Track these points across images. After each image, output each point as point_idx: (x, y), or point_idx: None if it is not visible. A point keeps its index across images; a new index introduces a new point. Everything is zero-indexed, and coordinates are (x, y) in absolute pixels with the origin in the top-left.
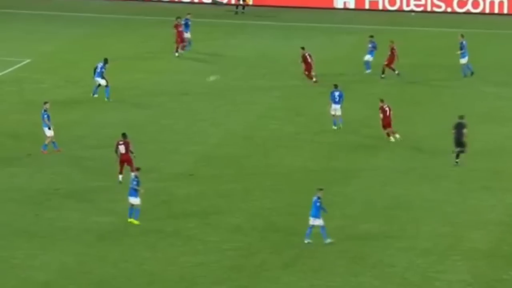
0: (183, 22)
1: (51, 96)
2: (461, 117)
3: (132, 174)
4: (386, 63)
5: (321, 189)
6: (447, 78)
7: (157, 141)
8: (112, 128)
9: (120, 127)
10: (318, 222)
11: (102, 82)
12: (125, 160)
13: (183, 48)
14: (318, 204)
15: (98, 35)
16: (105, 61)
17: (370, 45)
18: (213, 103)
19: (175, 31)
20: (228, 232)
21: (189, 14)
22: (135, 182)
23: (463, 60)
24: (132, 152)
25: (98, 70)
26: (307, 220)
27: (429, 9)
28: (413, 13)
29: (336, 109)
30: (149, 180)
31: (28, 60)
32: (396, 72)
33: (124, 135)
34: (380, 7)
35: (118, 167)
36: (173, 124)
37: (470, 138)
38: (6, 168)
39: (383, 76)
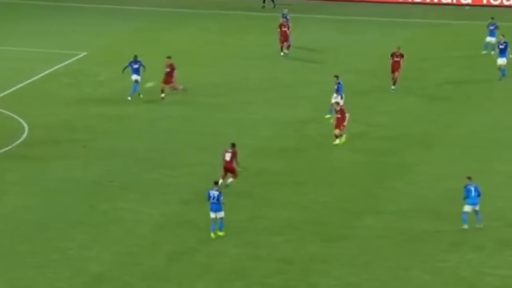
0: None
1: (106, 89)
2: None
3: (215, 189)
4: None
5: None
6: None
7: (211, 134)
8: (167, 121)
9: (174, 120)
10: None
11: (138, 78)
12: (228, 168)
13: (288, 48)
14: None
15: (154, 29)
16: (136, 58)
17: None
18: (266, 97)
19: (279, 30)
20: (279, 225)
21: (285, 8)
22: (219, 196)
23: (500, 61)
24: (237, 163)
25: (134, 67)
26: (357, 214)
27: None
28: (467, 7)
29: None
30: (202, 172)
31: (84, 53)
32: None
33: (233, 145)
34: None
35: (221, 171)
36: (226, 118)
37: (497, 133)
38: (61, 161)
39: None
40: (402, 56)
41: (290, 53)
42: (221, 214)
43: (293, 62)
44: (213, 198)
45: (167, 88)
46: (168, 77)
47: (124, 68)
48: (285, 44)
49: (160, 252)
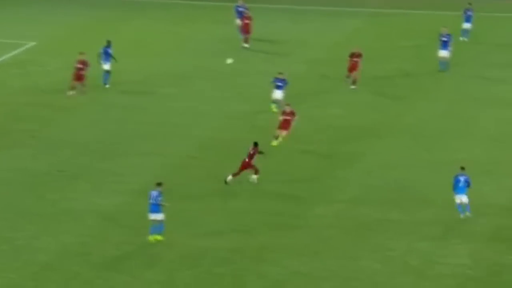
0: (240, 9)
1: (55, 79)
2: None
3: (155, 190)
4: None
5: None
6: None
7: (161, 124)
8: (118, 111)
9: (125, 110)
10: None
11: (107, 67)
12: (246, 165)
13: (245, 40)
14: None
15: (104, 19)
16: (109, 43)
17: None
18: (217, 86)
19: (240, 22)
20: (229, 215)
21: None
22: (158, 198)
23: (441, 53)
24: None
25: (105, 53)
26: (307, 203)
27: None
28: None
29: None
30: (153, 162)
31: (33, 43)
32: None
33: (255, 144)
34: None
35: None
36: (177, 107)
37: (472, 123)
38: (9, 150)
39: None
40: (360, 55)
41: (239, 40)
42: (160, 216)
43: (245, 52)
44: (152, 199)
45: (78, 85)
46: (79, 74)
47: (101, 55)
48: (248, 36)
49: (110, 242)
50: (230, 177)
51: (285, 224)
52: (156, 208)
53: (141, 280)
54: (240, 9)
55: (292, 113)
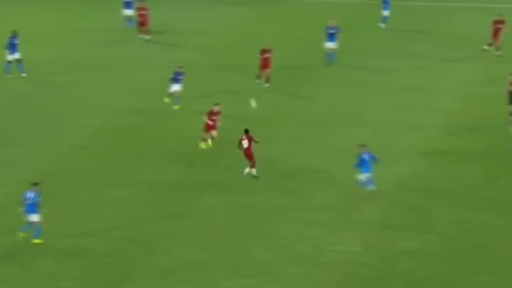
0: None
1: None
2: None
3: (32, 190)
4: None
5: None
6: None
7: (52, 112)
8: (5, 98)
9: (12, 97)
10: None
11: (15, 56)
12: (247, 155)
13: (144, 32)
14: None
15: None
16: (15, 33)
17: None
18: (109, 75)
19: (137, 13)
20: (119, 204)
21: None
22: (34, 197)
23: (328, 45)
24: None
25: (11, 43)
26: (198, 192)
27: None
28: None
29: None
30: (42, 152)
31: None
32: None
33: (246, 131)
34: None
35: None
36: (68, 96)
37: (361, 110)
38: None
39: None
40: (271, 51)
41: (131, 30)
42: (37, 217)
43: (137, 40)
44: (29, 199)
45: None
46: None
47: (8, 45)
48: (145, 28)
49: None
50: (247, 170)
51: (175, 213)
52: (32, 208)
53: (29, 270)
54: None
55: (218, 113)
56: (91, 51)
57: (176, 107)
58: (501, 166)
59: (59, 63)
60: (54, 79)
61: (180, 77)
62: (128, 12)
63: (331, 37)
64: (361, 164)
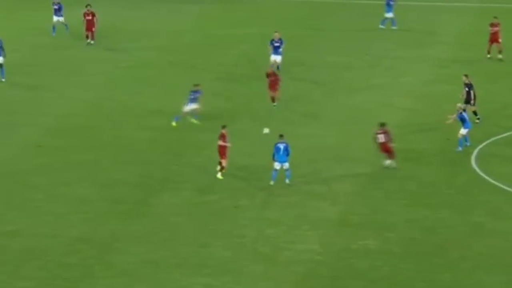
0: (55, 7)
1: None
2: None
3: None
4: None
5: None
6: (296, 49)
7: (5, 111)
8: None
9: None
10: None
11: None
12: (384, 149)
13: (90, 36)
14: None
15: None
16: None
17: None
18: (59, 75)
19: (83, 19)
20: (77, 203)
21: None
22: None
23: (273, 58)
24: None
25: None
26: (155, 191)
27: None
28: None
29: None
30: None
31: None
32: None
33: (382, 124)
34: None
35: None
36: (21, 96)
37: (320, 109)
38: None
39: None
40: (276, 74)
41: (79, 32)
42: None
43: (84, 40)
44: None
45: None
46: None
47: None
48: (90, 33)
49: None
50: (388, 161)
51: (132, 212)
52: None
53: None
54: (55, 6)
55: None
56: (43, 52)
57: (194, 121)
58: (457, 164)
59: (12, 64)
60: (8, 79)
61: (196, 95)
62: (56, 19)
63: (275, 50)
64: (277, 152)
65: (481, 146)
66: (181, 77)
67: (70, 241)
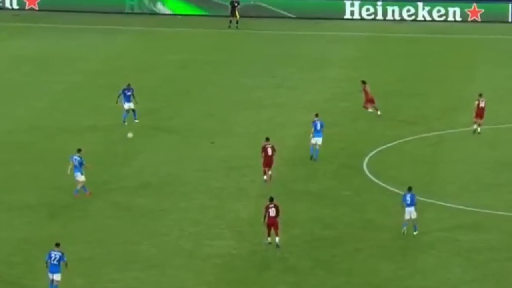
0: None
1: None
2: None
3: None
4: None
5: None
6: (212, 72)
7: None
8: None
9: None
10: None
11: None
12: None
13: None
14: None
15: None
16: None
17: None
18: (2, 96)
19: None
20: (20, 209)
21: None
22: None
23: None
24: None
25: None
26: (90, 198)
27: None
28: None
29: None
30: None
31: None
32: None
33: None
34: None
35: None
36: None
37: (231, 123)
38: None
39: None
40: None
41: (24, 57)
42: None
43: (25, 65)
44: None
45: None
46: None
47: None
48: None
49: None
50: None
51: (70, 216)
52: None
53: None
54: None
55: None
56: None
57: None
58: (352, 169)
59: None
60: None
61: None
62: None
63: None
64: None
65: (371, 154)
66: (109, 98)
67: (15, 242)
